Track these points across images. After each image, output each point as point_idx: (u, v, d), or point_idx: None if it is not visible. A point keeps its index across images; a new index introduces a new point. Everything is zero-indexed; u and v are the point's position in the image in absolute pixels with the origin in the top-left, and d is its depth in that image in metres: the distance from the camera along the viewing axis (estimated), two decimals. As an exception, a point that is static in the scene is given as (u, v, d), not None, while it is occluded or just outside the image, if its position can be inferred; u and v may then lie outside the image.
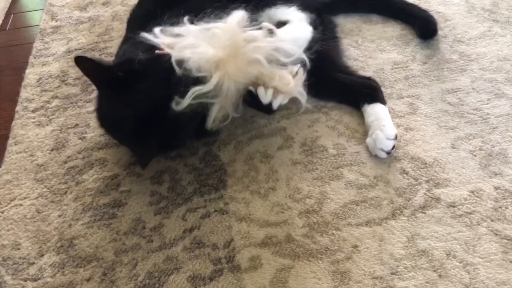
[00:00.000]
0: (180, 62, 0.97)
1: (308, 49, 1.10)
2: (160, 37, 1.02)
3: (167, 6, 1.13)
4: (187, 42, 0.99)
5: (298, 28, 1.12)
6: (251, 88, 1.03)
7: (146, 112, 0.99)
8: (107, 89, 1.04)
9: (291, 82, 1.02)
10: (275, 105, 1.05)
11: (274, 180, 1.05)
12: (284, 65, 1.03)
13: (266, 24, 1.04)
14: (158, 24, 1.06)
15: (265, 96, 1.03)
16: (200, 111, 1.01)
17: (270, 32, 1.03)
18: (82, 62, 1.00)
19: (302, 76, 1.05)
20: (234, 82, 0.99)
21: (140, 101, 0.99)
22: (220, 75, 0.96)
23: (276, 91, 1.03)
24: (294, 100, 1.08)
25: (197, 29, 1.03)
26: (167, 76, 0.98)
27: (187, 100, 0.98)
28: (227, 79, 0.97)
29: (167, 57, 0.98)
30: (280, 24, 1.13)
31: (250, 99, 1.05)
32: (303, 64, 1.05)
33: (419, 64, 1.26)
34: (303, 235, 0.94)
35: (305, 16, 1.16)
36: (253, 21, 1.07)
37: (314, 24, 1.15)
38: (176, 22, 1.05)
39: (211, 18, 1.04)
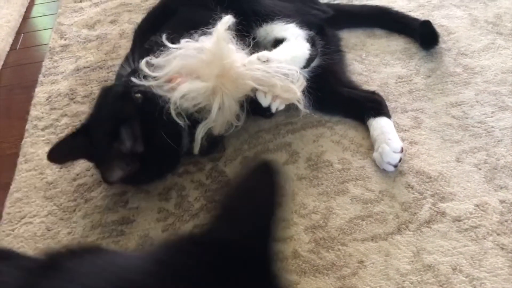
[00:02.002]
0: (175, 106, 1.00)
1: (305, 67, 1.12)
2: (148, 73, 1.03)
3: (163, 22, 1.15)
4: (181, 89, 1.00)
5: (294, 47, 1.13)
6: (249, 93, 1.04)
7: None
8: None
9: (290, 89, 1.04)
10: (273, 108, 1.06)
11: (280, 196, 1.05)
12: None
13: (262, 55, 1.04)
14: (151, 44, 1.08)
15: (264, 100, 1.05)
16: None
17: (266, 61, 1.03)
18: (53, 155, 1.05)
19: (301, 83, 1.06)
20: (233, 97, 1.01)
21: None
22: (219, 99, 0.99)
23: (275, 96, 1.05)
24: (295, 110, 1.10)
25: (179, 53, 1.04)
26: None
27: (199, 138, 1.02)
28: (227, 98, 1.00)
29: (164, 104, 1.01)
30: (277, 41, 1.14)
31: (249, 104, 1.07)
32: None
33: (423, 78, 1.26)
34: (309, 250, 0.95)
35: (302, 33, 1.16)
36: (242, 35, 1.09)
37: (312, 41, 1.16)
38: (158, 44, 1.06)
39: (195, 35, 1.06)
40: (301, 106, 1.08)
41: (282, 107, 1.08)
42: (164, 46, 1.06)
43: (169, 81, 1.02)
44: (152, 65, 1.04)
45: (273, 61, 1.03)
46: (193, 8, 1.19)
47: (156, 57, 1.05)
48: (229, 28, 1.06)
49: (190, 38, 1.06)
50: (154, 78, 1.03)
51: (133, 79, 1.03)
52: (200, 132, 1.03)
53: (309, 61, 1.13)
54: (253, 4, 1.20)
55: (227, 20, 1.06)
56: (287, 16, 1.19)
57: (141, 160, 1.03)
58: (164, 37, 1.06)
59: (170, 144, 1.03)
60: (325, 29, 1.31)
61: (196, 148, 1.07)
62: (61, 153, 1.07)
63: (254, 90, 1.03)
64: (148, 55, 1.07)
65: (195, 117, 1.04)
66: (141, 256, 0.47)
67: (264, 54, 1.05)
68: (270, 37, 1.17)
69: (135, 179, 1.08)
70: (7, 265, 0.51)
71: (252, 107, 1.08)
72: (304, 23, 1.20)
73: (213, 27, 1.06)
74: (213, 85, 1.00)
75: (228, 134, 1.11)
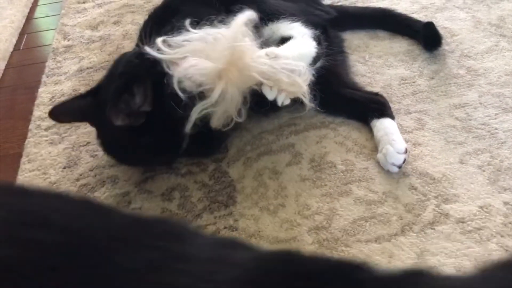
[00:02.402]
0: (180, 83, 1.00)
1: (312, 64, 1.12)
2: (162, 49, 1.03)
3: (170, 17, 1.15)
4: (188, 63, 1.00)
5: (301, 44, 1.13)
6: (255, 87, 1.03)
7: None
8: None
9: (296, 83, 1.03)
10: (279, 102, 1.04)
11: (283, 197, 1.05)
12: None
13: (271, 51, 1.04)
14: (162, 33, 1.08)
15: (270, 93, 1.02)
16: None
17: (274, 57, 1.03)
18: (55, 113, 1.06)
19: (307, 77, 1.05)
20: (237, 88, 1.00)
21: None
22: (223, 84, 0.98)
23: (281, 90, 1.03)
24: (300, 105, 1.09)
25: (198, 36, 1.04)
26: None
27: (193, 117, 1.01)
28: (231, 87, 0.98)
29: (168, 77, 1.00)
30: (283, 39, 1.14)
31: (253, 99, 1.05)
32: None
33: (427, 80, 1.26)
34: (313, 251, 0.95)
35: (308, 31, 1.17)
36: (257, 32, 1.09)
37: (318, 39, 1.16)
38: (179, 27, 1.06)
39: (215, 23, 1.06)
40: (306, 100, 1.06)
41: (287, 101, 1.06)
42: (183, 29, 1.06)
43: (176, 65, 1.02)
44: (169, 44, 1.04)
45: (281, 57, 1.02)
46: (197, 7, 1.19)
47: (174, 37, 1.05)
48: (248, 23, 1.05)
49: (211, 26, 1.06)
50: (167, 53, 1.02)
51: (147, 49, 1.03)
52: (196, 110, 1.00)
53: (315, 59, 1.12)
54: (258, 3, 1.20)
55: (248, 14, 1.06)
56: (292, 15, 1.19)
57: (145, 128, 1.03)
58: (187, 22, 1.06)
59: (173, 121, 1.03)
60: (328, 31, 1.31)
61: (188, 126, 1.03)
62: (64, 112, 1.08)
63: (260, 84, 1.02)
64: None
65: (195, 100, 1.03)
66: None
67: (272, 50, 1.04)
68: (276, 36, 1.16)
69: (139, 153, 1.09)
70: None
71: (257, 102, 1.07)
72: (308, 23, 1.20)
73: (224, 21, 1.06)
74: (220, 68, 0.99)
75: (226, 129, 1.08)
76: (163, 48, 1.03)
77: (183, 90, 1.00)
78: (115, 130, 1.03)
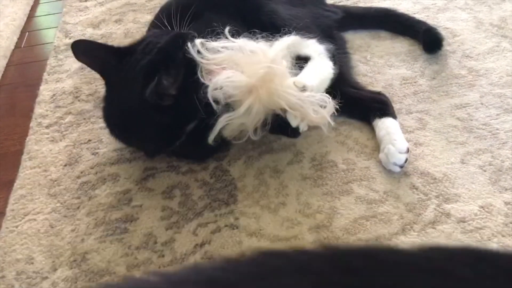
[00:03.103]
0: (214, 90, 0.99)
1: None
2: (201, 52, 1.02)
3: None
4: (224, 75, 0.99)
5: (321, 68, 1.12)
6: (279, 111, 1.01)
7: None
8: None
9: (321, 113, 1.01)
10: (302, 128, 1.03)
11: (284, 195, 1.05)
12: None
13: (298, 81, 1.02)
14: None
15: (294, 120, 1.01)
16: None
17: (302, 87, 1.01)
18: (79, 46, 1.03)
19: (331, 108, 1.02)
20: (264, 107, 0.99)
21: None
22: (251, 100, 0.96)
23: (304, 118, 1.02)
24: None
25: (237, 45, 1.03)
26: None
27: (218, 127, 1.00)
28: (258, 104, 0.97)
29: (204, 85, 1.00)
30: (300, 59, 1.13)
31: (275, 122, 1.03)
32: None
33: (428, 80, 1.27)
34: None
35: (323, 48, 1.16)
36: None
37: (332, 55, 1.16)
38: (217, 33, 1.06)
39: (257, 38, 1.05)
40: (325, 129, 1.05)
41: (306, 128, 1.06)
42: (222, 36, 1.05)
43: (211, 73, 1.01)
44: (206, 48, 1.03)
45: (308, 88, 1.01)
46: (223, 18, 1.18)
47: (213, 42, 1.04)
48: (291, 46, 1.04)
49: (251, 38, 1.05)
50: (206, 58, 1.02)
51: (190, 47, 1.02)
52: (222, 121, 1.00)
53: (332, 80, 1.12)
54: (271, 17, 1.20)
55: (293, 38, 1.05)
56: (306, 28, 1.18)
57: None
58: (227, 30, 1.05)
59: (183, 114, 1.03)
60: (333, 31, 1.31)
61: (212, 137, 1.03)
62: (88, 52, 1.07)
63: (284, 110, 1.01)
64: (203, 36, 1.05)
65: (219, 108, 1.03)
66: None
67: (300, 80, 1.02)
68: (291, 54, 1.14)
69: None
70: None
71: (278, 125, 1.05)
72: (319, 28, 1.20)
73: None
74: (253, 84, 0.98)
75: (235, 142, 1.09)
76: (202, 52, 1.02)
77: (214, 100, 0.99)
78: (131, 99, 1.02)
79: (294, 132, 1.04)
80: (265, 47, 1.03)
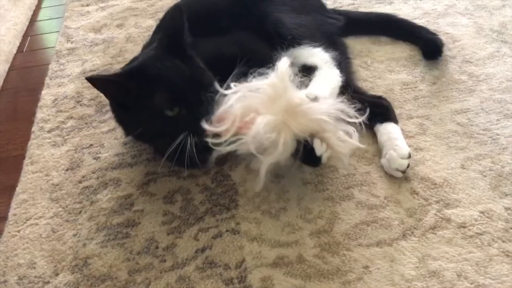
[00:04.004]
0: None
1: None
2: (210, 130, 0.99)
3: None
4: (255, 122, 0.96)
5: (329, 78, 1.12)
6: (307, 138, 0.99)
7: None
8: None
9: (346, 143, 1.00)
10: (324, 158, 1.01)
11: (285, 200, 1.06)
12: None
13: (309, 93, 1.01)
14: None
15: (320, 148, 0.99)
16: None
17: (314, 99, 1.00)
18: (94, 81, 1.02)
19: (356, 139, 1.01)
20: (295, 135, 0.97)
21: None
22: (285, 136, 0.95)
23: (329, 146, 1.00)
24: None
25: (240, 97, 1.00)
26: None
27: (263, 173, 0.97)
28: (290, 137, 0.96)
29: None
30: (306, 68, 1.13)
31: (300, 149, 1.00)
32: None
33: (428, 85, 1.27)
34: (314, 255, 0.95)
35: (329, 57, 1.16)
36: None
37: (338, 63, 1.16)
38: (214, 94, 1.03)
39: (254, 75, 1.03)
40: (346, 161, 1.03)
41: (328, 155, 1.02)
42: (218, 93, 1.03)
43: (240, 129, 0.98)
44: (212, 121, 1.00)
45: (320, 98, 1.00)
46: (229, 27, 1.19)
47: (214, 113, 1.01)
48: (289, 66, 1.02)
49: (239, 81, 1.03)
50: (221, 132, 0.98)
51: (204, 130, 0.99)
52: (266, 164, 0.96)
53: (340, 88, 1.13)
54: (276, 26, 1.21)
55: (287, 59, 1.03)
56: (311, 37, 1.19)
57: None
58: (216, 84, 1.03)
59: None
60: (336, 38, 1.32)
61: (259, 185, 0.99)
62: (105, 86, 1.05)
63: (312, 136, 0.99)
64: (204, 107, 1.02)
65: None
66: None
67: (311, 91, 1.02)
68: (297, 62, 1.16)
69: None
70: None
71: (302, 153, 1.01)
72: (323, 35, 1.21)
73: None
74: (281, 120, 0.96)
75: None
76: (212, 130, 0.98)
77: (257, 148, 0.96)
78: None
79: (316, 161, 1.02)
80: (270, 80, 1.00)
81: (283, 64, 1.01)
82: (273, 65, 1.02)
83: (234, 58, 1.07)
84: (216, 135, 0.99)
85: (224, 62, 1.09)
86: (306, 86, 1.08)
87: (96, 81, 1.03)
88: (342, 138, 1.00)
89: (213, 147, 0.99)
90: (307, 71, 1.14)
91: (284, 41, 1.17)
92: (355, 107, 1.03)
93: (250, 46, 1.18)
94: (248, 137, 0.95)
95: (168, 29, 1.08)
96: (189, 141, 1.00)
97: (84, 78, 1.47)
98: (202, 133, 0.99)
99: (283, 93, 0.98)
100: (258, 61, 1.06)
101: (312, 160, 1.02)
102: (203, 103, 1.01)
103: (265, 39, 1.17)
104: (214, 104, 1.02)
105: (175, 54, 1.04)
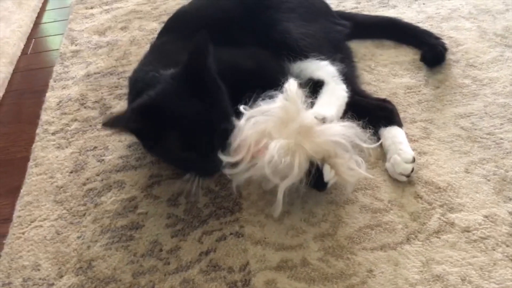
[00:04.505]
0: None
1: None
2: (229, 161, 1.00)
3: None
4: (269, 147, 0.96)
5: (335, 94, 1.12)
6: (318, 161, 0.99)
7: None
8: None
9: (355, 172, 1.00)
10: (330, 184, 1.02)
11: (289, 204, 1.06)
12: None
13: (317, 114, 1.02)
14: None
15: (328, 174, 0.99)
16: None
17: (323, 121, 1.01)
18: (109, 125, 1.01)
19: (363, 170, 1.01)
20: (308, 156, 0.97)
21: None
22: (299, 158, 0.95)
23: (337, 173, 1.00)
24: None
25: (251, 124, 1.00)
26: None
27: (281, 197, 0.97)
28: (305, 159, 0.96)
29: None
30: (312, 82, 1.13)
31: (312, 171, 1.00)
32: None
33: (432, 89, 1.27)
34: (318, 259, 0.95)
35: (335, 70, 1.16)
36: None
37: (344, 76, 1.16)
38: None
39: (263, 98, 1.02)
40: (350, 189, 1.04)
41: (333, 181, 1.03)
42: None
43: (254, 155, 0.98)
44: (229, 152, 1.01)
45: (328, 119, 1.01)
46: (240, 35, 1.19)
47: (229, 145, 1.01)
48: (297, 86, 1.02)
49: (245, 107, 1.02)
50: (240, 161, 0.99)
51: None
52: (281, 191, 0.97)
53: (347, 103, 1.13)
54: (283, 36, 1.21)
55: (293, 82, 1.03)
56: (319, 48, 1.19)
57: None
58: (233, 120, 1.02)
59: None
60: (342, 44, 1.32)
61: (278, 211, 0.99)
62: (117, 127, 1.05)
63: (323, 161, 0.99)
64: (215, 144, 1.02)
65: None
66: None
67: (319, 112, 1.02)
68: (304, 75, 1.16)
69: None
70: None
71: (309, 178, 1.01)
72: (331, 43, 1.21)
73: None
74: (294, 143, 0.96)
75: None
76: (231, 160, 0.99)
77: (273, 170, 0.96)
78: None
79: (322, 186, 1.02)
80: (281, 103, 1.00)
81: (293, 86, 1.01)
82: (281, 86, 1.02)
83: (251, 73, 1.08)
84: (233, 164, 1.00)
85: (240, 75, 1.09)
86: (313, 103, 1.08)
87: (111, 126, 1.01)
88: (351, 166, 1.00)
89: (231, 178, 1.01)
90: (313, 84, 1.14)
91: (291, 52, 1.17)
92: (368, 131, 1.03)
93: (266, 65, 1.18)
94: (263, 163, 0.95)
95: (191, 61, 1.00)
96: (195, 181, 1.04)
97: (89, 80, 1.49)
98: (210, 177, 1.06)
99: (295, 116, 0.98)
100: (272, 80, 1.05)
101: (318, 185, 1.02)
102: (215, 149, 1.00)
103: (272, 48, 1.16)
104: (228, 145, 1.01)
105: (194, 89, 0.99)
